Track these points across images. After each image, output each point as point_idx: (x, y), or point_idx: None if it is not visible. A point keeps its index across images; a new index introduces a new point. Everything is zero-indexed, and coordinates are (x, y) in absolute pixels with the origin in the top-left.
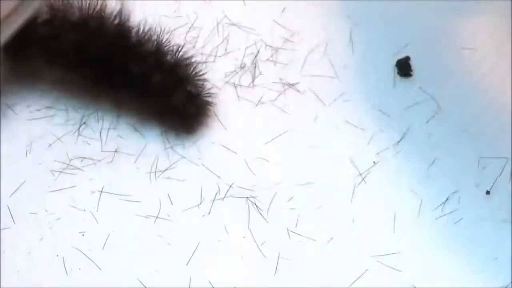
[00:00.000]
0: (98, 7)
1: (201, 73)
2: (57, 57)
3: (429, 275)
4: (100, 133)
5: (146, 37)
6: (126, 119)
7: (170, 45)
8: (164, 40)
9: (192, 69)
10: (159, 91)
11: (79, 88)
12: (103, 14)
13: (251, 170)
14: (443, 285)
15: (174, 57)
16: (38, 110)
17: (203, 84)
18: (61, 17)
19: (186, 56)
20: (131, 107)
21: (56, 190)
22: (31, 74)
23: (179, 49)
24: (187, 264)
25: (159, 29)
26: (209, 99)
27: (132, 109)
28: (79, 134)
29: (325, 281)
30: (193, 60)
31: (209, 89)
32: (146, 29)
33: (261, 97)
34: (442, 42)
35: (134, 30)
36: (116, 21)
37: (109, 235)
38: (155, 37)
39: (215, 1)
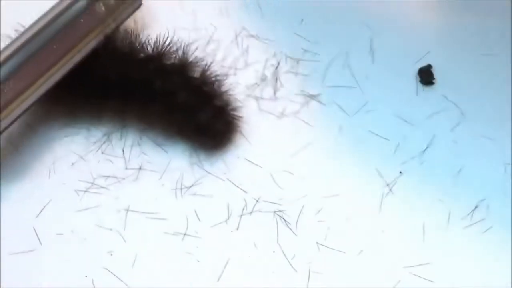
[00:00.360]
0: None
1: (227, 88)
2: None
3: (461, 286)
4: (123, 150)
5: (169, 52)
6: (149, 135)
7: (195, 60)
8: (189, 55)
9: (218, 84)
10: (185, 108)
11: (102, 106)
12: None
13: (277, 183)
14: None
15: (200, 72)
16: (60, 128)
17: (229, 100)
18: None
19: (211, 71)
20: (156, 125)
21: (82, 210)
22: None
23: (206, 64)
24: (218, 281)
25: (182, 44)
26: (236, 115)
27: (158, 127)
28: (102, 152)
29: None
30: (218, 75)
31: (236, 104)
32: (168, 43)
33: (284, 110)
34: (464, 49)
35: (154, 45)
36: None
37: (137, 253)
38: (180, 52)
39: (232, 13)
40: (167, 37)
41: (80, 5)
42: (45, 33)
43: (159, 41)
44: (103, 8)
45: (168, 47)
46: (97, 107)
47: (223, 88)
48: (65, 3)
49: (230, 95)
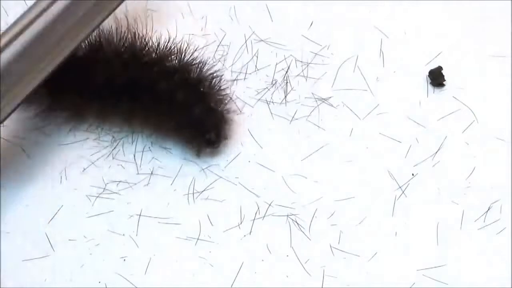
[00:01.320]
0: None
1: (223, 87)
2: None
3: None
4: (134, 156)
5: (171, 54)
6: (157, 139)
7: (194, 60)
8: (187, 55)
9: (214, 84)
10: (179, 106)
11: (105, 109)
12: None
13: (289, 187)
14: None
15: (197, 72)
16: (70, 134)
17: (223, 99)
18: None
19: (209, 71)
20: (159, 126)
21: (94, 216)
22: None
23: (202, 64)
24: (231, 286)
25: (184, 46)
26: (228, 115)
27: (160, 128)
28: (113, 158)
29: None
30: (215, 74)
31: (228, 104)
32: (169, 46)
33: (295, 113)
34: (473, 50)
35: (155, 47)
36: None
37: (150, 259)
38: (179, 54)
39: (242, 18)
40: (171, 40)
41: None
42: (49, 12)
43: (164, 44)
44: None
45: (171, 50)
46: (103, 110)
47: (217, 88)
48: None
49: (226, 94)
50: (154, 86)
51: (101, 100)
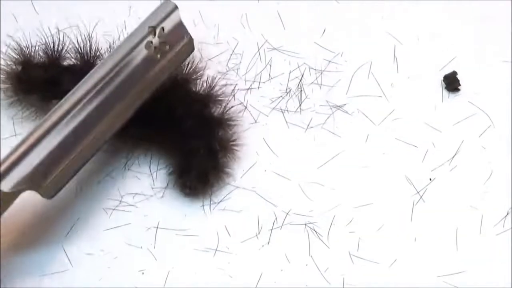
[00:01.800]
0: None
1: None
2: None
3: None
4: (150, 167)
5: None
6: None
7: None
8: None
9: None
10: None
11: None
12: None
13: (306, 195)
14: None
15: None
16: None
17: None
18: None
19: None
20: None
21: (111, 228)
22: None
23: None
24: None
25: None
26: (234, 148)
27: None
28: (128, 169)
29: None
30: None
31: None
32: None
33: (310, 121)
34: (488, 55)
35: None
36: None
37: (169, 271)
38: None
39: (254, 26)
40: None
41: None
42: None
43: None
44: (158, 56)
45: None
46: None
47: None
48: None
49: (235, 124)
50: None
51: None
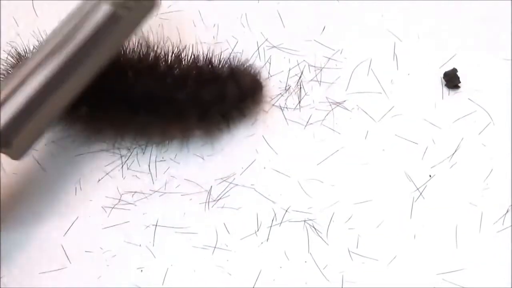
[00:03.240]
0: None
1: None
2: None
3: None
4: (149, 166)
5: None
6: (172, 148)
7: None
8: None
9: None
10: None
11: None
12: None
13: (305, 192)
14: None
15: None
16: (85, 145)
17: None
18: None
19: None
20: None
21: (110, 227)
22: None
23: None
24: None
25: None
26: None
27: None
28: (127, 168)
29: None
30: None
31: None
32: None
33: (309, 118)
34: (488, 52)
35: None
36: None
37: (167, 269)
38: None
39: (253, 25)
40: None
41: (103, 11)
42: (72, 42)
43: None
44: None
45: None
46: (121, 122)
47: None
48: (86, 8)
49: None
50: (172, 92)
51: (117, 112)
